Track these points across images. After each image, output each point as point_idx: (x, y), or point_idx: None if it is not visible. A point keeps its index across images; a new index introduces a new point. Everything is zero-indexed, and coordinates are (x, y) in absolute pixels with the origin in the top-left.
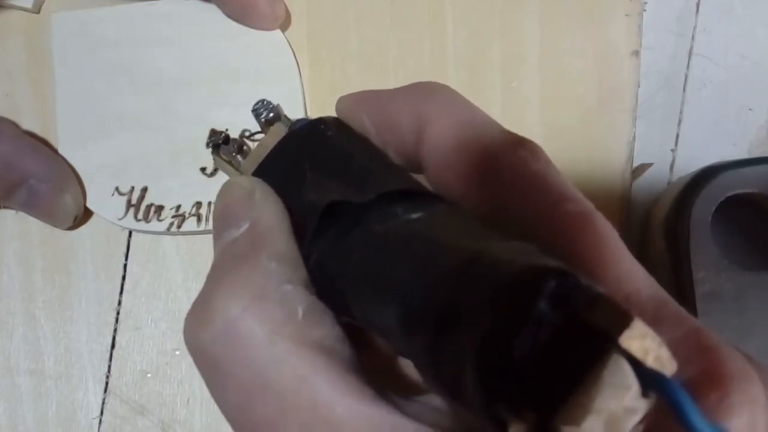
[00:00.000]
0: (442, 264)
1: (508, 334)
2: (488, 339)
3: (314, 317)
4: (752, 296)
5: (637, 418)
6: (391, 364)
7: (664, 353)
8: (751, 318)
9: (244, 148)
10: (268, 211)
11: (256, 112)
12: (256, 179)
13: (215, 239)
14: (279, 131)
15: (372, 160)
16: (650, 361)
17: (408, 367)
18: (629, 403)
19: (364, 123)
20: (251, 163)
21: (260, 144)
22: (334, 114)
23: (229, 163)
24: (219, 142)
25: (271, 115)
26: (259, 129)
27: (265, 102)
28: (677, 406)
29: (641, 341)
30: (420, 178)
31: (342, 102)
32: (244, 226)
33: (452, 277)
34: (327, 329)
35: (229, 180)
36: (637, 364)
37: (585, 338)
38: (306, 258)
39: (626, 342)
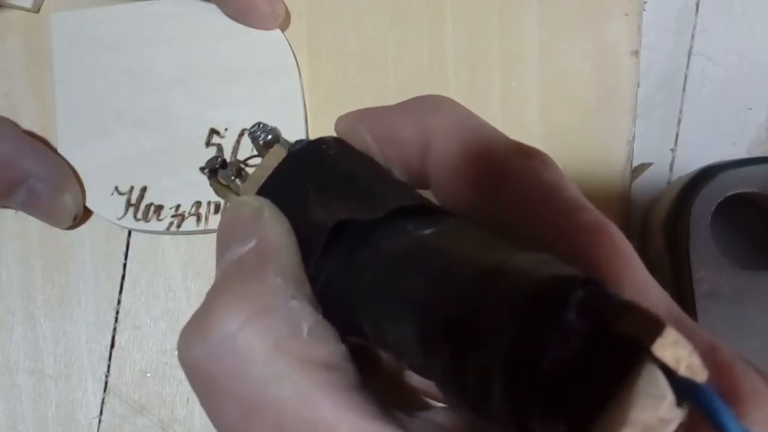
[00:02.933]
0: (461, 277)
1: (536, 345)
2: (515, 351)
3: (319, 335)
4: (751, 296)
5: (672, 428)
6: (395, 382)
7: (696, 361)
8: (750, 317)
9: (242, 172)
10: (276, 228)
11: (253, 135)
12: (263, 198)
13: (219, 256)
14: (278, 153)
15: (377, 177)
16: (682, 370)
17: (412, 383)
18: (664, 413)
19: (366, 140)
20: (251, 187)
21: (260, 167)
22: (333, 118)
23: (228, 187)
24: (216, 166)
25: (269, 137)
26: (256, 153)
27: (262, 125)
28: (713, 414)
29: (673, 349)
30: (426, 194)
31: (341, 121)
32: (251, 243)
33: (472, 289)
34: (331, 347)
35: (236, 198)
36: (668, 373)
37: (614, 348)
38: (314, 278)
39: (659, 350)
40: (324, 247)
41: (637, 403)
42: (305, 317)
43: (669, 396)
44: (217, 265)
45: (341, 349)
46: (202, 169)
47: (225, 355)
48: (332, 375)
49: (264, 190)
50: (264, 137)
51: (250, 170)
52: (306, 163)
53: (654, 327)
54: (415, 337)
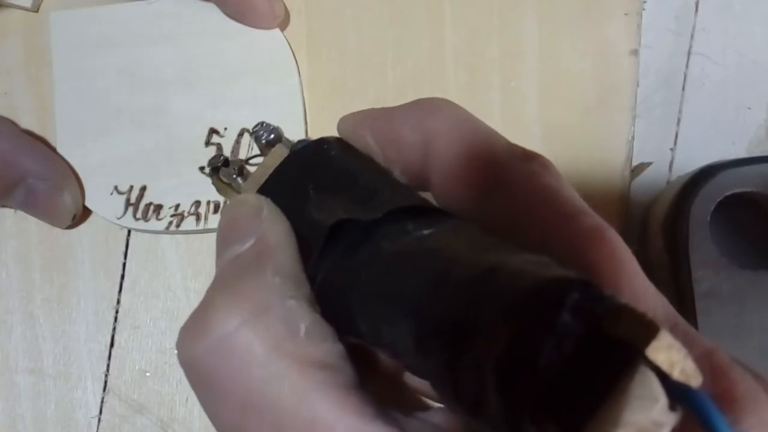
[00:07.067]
0: (458, 278)
1: (531, 346)
2: (510, 352)
3: (317, 334)
4: (751, 295)
5: (665, 431)
6: (393, 382)
7: (690, 365)
8: (749, 317)
9: (244, 170)
10: (275, 228)
11: (256, 135)
12: (263, 197)
13: (218, 255)
14: (280, 152)
15: (377, 177)
16: (676, 374)
17: (410, 383)
18: (657, 416)
19: (368, 142)
20: (252, 185)
21: (261, 165)
22: (333, 117)
23: (229, 185)
24: (218, 164)
25: (272, 136)
26: (259, 152)
27: (264, 124)
28: (706, 418)
29: (667, 353)
30: (426, 196)
31: (344, 122)
32: (250, 242)
33: (469, 290)
34: (329, 347)
35: (236, 197)
36: (662, 377)
37: (609, 351)
38: (312, 277)
39: (653, 354)
40: (322, 247)
41: (629, 405)
42: (302, 317)
43: (662, 399)
44: (216, 263)
45: (339, 348)
46: (201, 168)
47: (224, 354)
48: (329, 375)
49: (265, 189)
50: (266, 136)
51: (252, 169)
52: (307, 162)
53: (649, 330)
54: (411, 337)
